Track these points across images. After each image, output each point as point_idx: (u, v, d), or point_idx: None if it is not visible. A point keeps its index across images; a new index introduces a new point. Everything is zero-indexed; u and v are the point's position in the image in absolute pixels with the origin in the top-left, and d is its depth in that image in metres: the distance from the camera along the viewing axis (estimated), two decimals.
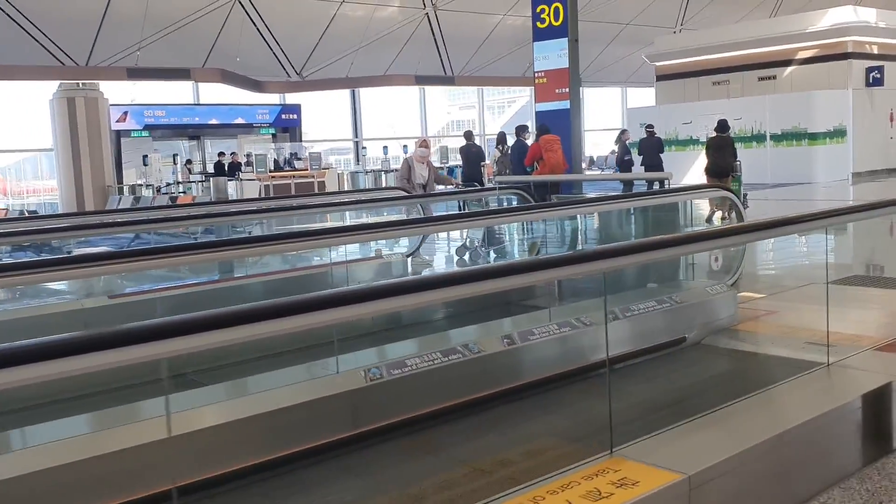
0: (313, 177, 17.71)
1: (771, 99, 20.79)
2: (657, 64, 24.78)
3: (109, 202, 15.99)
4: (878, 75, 20.69)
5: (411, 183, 10.58)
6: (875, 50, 21.12)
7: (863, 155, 20.80)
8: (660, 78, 24.92)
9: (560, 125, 13.85)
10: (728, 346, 5.23)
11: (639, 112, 25.64)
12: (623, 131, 18.09)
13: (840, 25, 20.48)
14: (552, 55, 14.11)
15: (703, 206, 15.82)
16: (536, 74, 14.39)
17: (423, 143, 11.85)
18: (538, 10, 14.13)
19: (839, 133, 20.42)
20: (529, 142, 13.18)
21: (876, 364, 3.58)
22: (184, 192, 16.56)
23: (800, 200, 16.41)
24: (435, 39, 24.01)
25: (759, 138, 20.70)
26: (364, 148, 25.32)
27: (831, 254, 9.99)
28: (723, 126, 13.29)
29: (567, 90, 14.04)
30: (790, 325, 5.52)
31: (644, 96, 30.63)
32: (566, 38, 13.87)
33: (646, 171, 15.64)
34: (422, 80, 23.82)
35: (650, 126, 16.10)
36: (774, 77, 21.95)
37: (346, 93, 25.94)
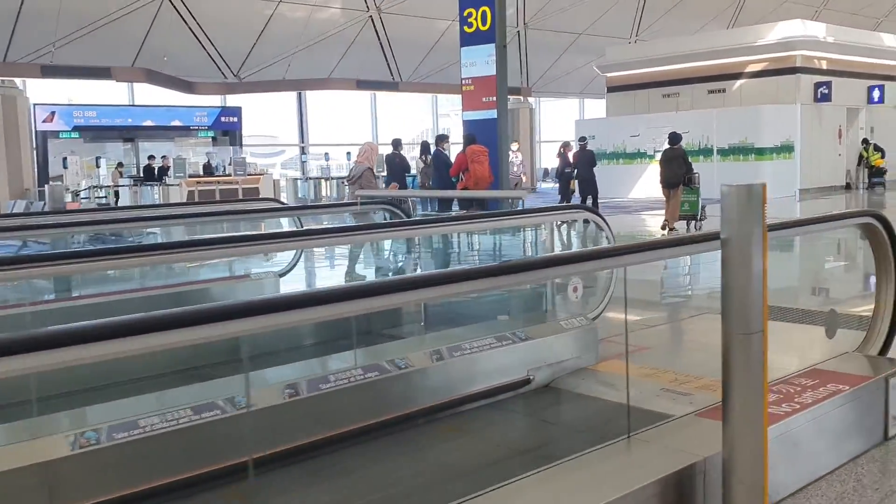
0: (237, 183, 16.90)
1: (719, 113, 20.37)
2: (608, 75, 24.34)
3: (5, 207, 15.09)
4: (827, 91, 20.36)
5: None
6: (824, 65, 20.80)
7: (810, 171, 20.44)
8: (611, 89, 24.48)
9: (487, 135, 13.24)
10: (575, 390, 4.57)
11: (588, 124, 25.17)
12: (565, 143, 17.49)
13: (788, 39, 20.14)
14: (479, 62, 13.50)
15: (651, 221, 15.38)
16: (464, 81, 13.78)
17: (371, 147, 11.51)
18: (465, 13, 13.52)
19: (786, 148, 20.04)
20: (448, 152, 12.56)
21: (689, 436, 2.91)
22: (72, 199, 15.71)
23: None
24: (381, 43, 23.33)
25: (707, 152, 20.25)
26: (305, 154, 24.55)
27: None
28: (673, 138, 13.40)
29: (494, 99, 13.42)
30: (654, 367, 4.88)
31: (601, 108, 30.22)
32: (493, 45, 13.26)
33: (580, 184, 15.07)
34: (363, 85, 23.09)
35: (583, 139, 15.59)
36: (724, 90, 21.56)
37: (293, 95, 25.21)
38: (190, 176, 18.52)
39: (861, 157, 21.81)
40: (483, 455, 3.66)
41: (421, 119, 33.65)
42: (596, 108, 32.38)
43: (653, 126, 21.42)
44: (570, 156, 15.89)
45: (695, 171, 13.32)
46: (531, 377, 4.65)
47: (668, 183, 13.08)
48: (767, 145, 19.66)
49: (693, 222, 13.14)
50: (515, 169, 17.95)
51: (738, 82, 21.21)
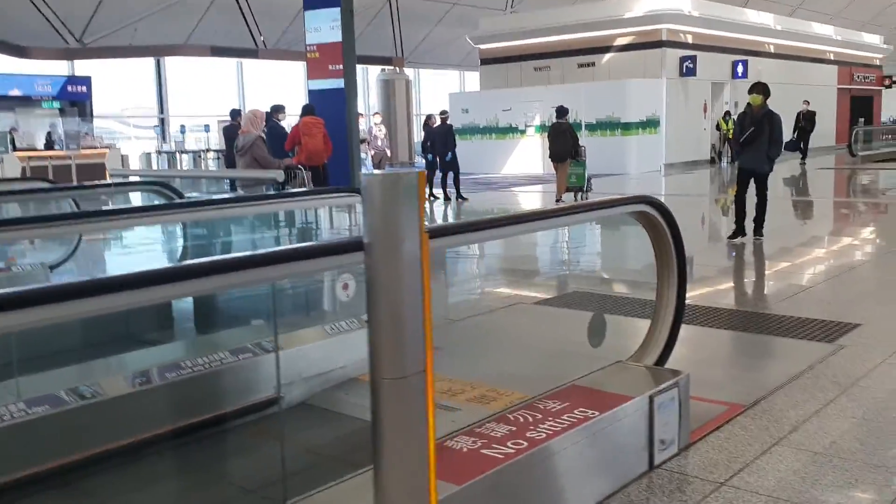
0: (69, 158, 15.44)
1: (586, 87, 20.12)
2: (481, 47, 23.77)
3: None
4: (692, 65, 20.42)
5: None
6: (689, 39, 20.86)
7: (676, 146, 20.53)
8: (484, 62, 23.94)
9: (334, 106, 12.42)
10: (333, 408, 3.90)
11: (462, 97, 24.65)
12: (429, 116, 16.79)
13: (654, 13, 20.03)
14: (324, 27, 12.62)
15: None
16: (308, 48, 12.87)
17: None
18: None
19: (652, 123, 20.02)
20: (284, 123, 11.67)
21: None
22: None
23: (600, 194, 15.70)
24: (241, 9, 21.94)
25: (576, 127, 19.95)
26: (157, 126, 22.97)
27: (566, 260, 8.95)
28: (559, 112, 13.81)
29: (341, 67, 12.57)
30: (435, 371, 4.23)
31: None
32: (339, 9, 12.39)
33: (438, 159, 14.40)
34: (218, 52, 21.63)
35: (444, 112, 14.97)
36: (593, 64, 21.34)
37: (152, 63, 23.50)
38: (20, 149, 16.88)
39: (718, 126, 22.01)
40: None
41: (294, 89, 32.30)
42: (476, 80, 31.85)
43: (524, 100, 21.04)
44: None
45: (581, 144, 13.88)
46: (281, 395, 3.94)
47: (557, 157, 13.33)
48: (633, 120, 19.58)
49: (580, 194, 13.57)
50: (380, 143, 17.12)
51: (607, 56, 21.03)
